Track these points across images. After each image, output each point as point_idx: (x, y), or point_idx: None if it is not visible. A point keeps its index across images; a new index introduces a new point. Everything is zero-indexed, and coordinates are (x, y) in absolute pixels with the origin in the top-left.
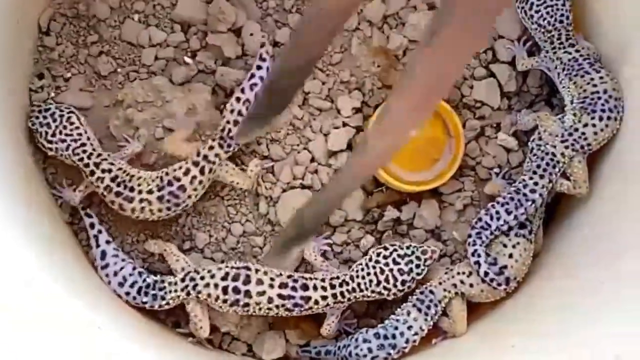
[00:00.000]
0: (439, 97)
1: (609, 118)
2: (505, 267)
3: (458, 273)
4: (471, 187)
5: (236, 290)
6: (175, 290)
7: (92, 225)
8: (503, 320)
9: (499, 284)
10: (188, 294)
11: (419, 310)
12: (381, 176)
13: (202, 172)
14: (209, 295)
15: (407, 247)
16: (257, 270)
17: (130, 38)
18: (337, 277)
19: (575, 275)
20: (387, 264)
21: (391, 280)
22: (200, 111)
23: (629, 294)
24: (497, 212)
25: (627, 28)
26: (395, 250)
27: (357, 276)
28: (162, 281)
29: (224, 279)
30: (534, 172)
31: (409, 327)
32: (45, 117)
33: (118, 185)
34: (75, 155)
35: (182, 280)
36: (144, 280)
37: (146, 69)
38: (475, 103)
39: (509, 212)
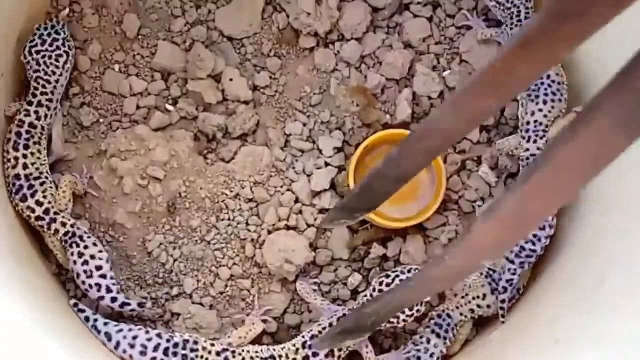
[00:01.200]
0: (521, 236)
1: (552, 101)
2: (511, 280)
3: (474, 298)
4: (455, 221)
5: None
6: (207, 359)
7: (87, 319)
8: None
9: (512, 297)
10: None
11: (438, 335)
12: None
13: None
14: None
15: (409, 271)
16: (279, 357)
17: (111, 88)
18: (344, 315)
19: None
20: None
21: (400, 315)
22: (182, 157)
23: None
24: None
25: None
26: (397, 276)
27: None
28: (196, 342)
29: None
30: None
31: (431, 355)
32: (49, 35)
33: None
34: (34, 82)
35: (218, 354)
36: (168, 340)
37: (128, 118)
38: None
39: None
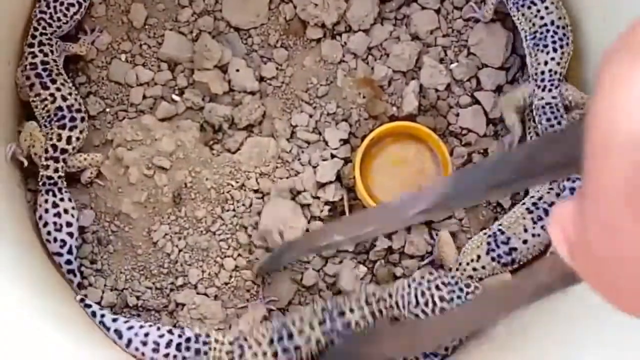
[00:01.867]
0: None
1: (561, 47)
2: (515, 249)
3: (468, 263)
4: (460, 214)
5: (285, 350)
6: (220, 350)
7: (93, 314)
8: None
9: (505, 264)
10: (232, 358)
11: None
12: (371, 206)
13: None
14: None
15: (452, 277)
16: (293, 322)
17: (117, 78)
18: (374, 294)
19: None
20: (429, 288)
21: (430, 305)
22: (188, 148)
23: None
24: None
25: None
26: (439, 277)
27: (397, 294)
28: (208, 336)
29: (270, 343)
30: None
31: None
32: None
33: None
34: (35, 22)
35: (231, 343)
36: (180, 336)
37: (134, 108)
38: (461, 131)
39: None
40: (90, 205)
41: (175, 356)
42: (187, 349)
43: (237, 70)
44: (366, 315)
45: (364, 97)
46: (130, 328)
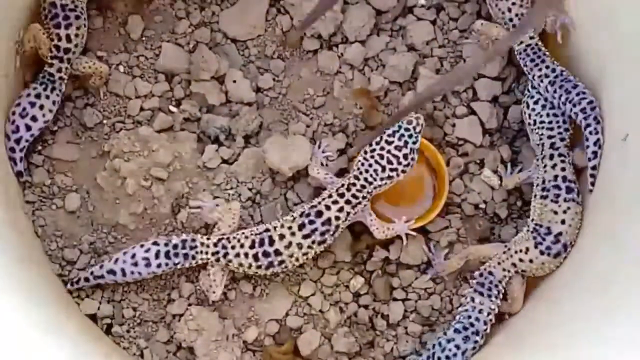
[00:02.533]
0: None
1: None
2: (560, 234)
3: (516, 252)
4: (457, 224)
5: (266, 254)
6: (206, 253)
7: (87, 280)
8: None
9: (558, 253)
10: (218, 260)
11: (482, 294)
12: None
13: None
14: (240, 264)
15: (391, 128)
16: (274, 228)
17: (117, 90)
18: (342, 185)
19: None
20: (382, 148)
21: (393, 160)
22: (185, 159)
23: None
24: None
25: (601, 66)
26: (381, 136)
27: (361, 172)
28: (194, 240)
29: (252, 247)
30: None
31: (480, 311)
32: None
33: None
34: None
35: (215, 244)
36: (167, 244)
37: (132, 120)
38: (458, 141)
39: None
40: (86, 216)
41: (167, 264)
42: (176, 255)
43: (234, 82)
44: (344, 210)
45: (360, 107)
46: (116, 261)
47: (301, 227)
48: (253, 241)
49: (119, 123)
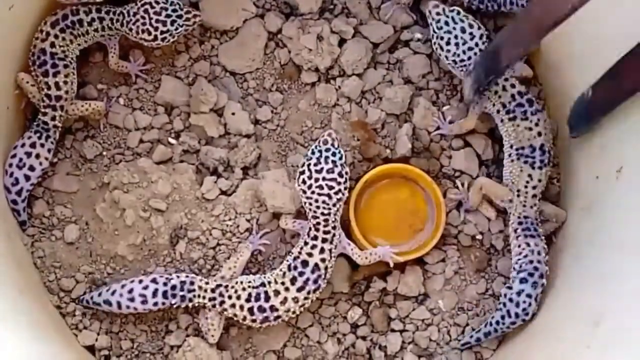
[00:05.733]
0: None
1: None
2: (543, 145)
3: (525, 186)
4: (454, 255)
5: (261, 309)
6: (204, 297)
7: (87, 302)
8: None
9: (548, 162)
10: (214, 305)
11: (532, 236)
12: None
13: None
14: (235, 315)
15: (310, 155)
16: (269, 283)
17: (116, 122)
18: (310, 229)
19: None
20: (316, 180)
21: (333, 185)
22: (184, 190)
23: None
24: None
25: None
26: (308, 169)
27: (314, 211)
28: (192, 283)
29: (247, 300)
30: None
31: (539, 252)
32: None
33: None
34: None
35: (213, 290)
36: (165, 284)
37: (131, 151)
38: (454, 172)
39: None
40: (85, 247)
41: (163, 303)
42: (173, 295)
43: (233, 114)
44: (325, 251)
45: (358, 139)
46: (113, 292)
47: (293, 281)
48: (249, 295)
49: (118, 155)
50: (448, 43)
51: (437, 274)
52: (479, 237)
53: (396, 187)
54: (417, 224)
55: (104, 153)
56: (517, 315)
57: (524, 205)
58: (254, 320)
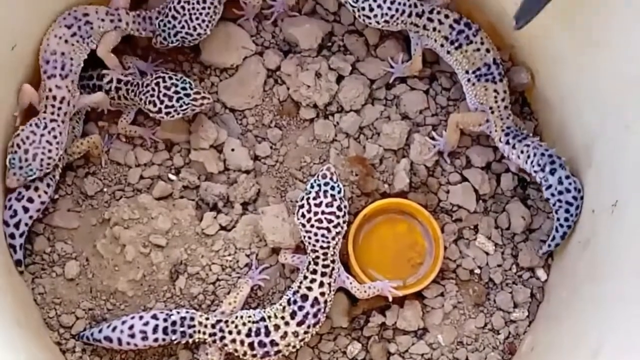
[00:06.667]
0: None
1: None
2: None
3: (496, 102)
4: (453, 289)
5: (262, 344)
6: (204, 333)
7: (87, 338)
8: None
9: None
10: (214, 341)
11: (525, 137)
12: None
13: None
14: (235, 350)
15: (309, 189)
16: (269, 317)
17: (117, 158)
18: (309, 262)
19: None
20: (315, 213)
21: (332, 218)
22: (184, 225)
23: None
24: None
25: (590, 133)
26: (307, 203)
27: (314, 245)
28: (192, 319)
29: (248, 335)
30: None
31: (540, 145)
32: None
33: None
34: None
35: (213, 326)
36: (165, 320)
37: (132, 188)
38: (452, 207)
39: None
40: (85, 283)
41: (164, 339)
42: (174, 332)
43: (233, 150)
44: (324, 284)
45: (356, 175)
46: (114, 329)
47: (293, 315)
48: (249, 329)
49: (119, 191)
50: (372, 9)
51: (436, 308)
52: (477, 271)
53: (394, 221)
54: (416, 258)
55: (105, 189)
56: (574, 198)
57: (502, 119)
58: (254, 355)
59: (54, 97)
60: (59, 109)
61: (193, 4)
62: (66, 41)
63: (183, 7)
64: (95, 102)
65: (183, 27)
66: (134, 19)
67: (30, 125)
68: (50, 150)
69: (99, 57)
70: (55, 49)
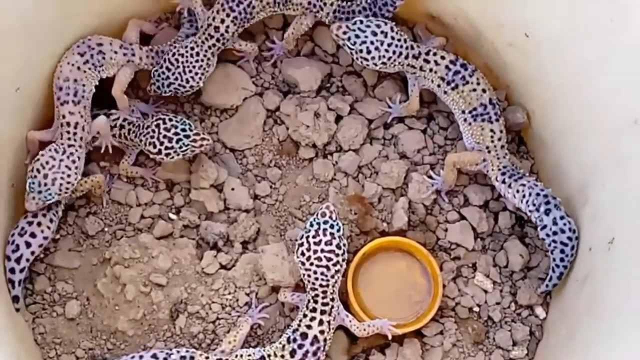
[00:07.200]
0: None
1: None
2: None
3: (492, 142)
4: (452, 327)
5: None
6: None
7: None
8: None
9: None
10: None
11: (521, 177)
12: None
13: None
14: None
15: (308, 228)
16: (269, 356)
17: (118, 198)
18: (309, 300)
19: None
20: (315, 252)
21: (331, 256)
22: (184, 265)
23: None
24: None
25: (586, 170)
26: (307, 241)
27: (313, 283)
28: (192, 358)
29: None
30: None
31: (536, 184)
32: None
33: None
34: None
35: None
36: (166, 359)
37: (132, 227)
38: (450, 245)
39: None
40: (85, 323)
41: None
42: None
43: (233, 189)
44: (324, 322)
45: (355, 213)
46: None
47: (292, 353)
48: None
49: (120, 230)
50: (369, 51)
51: (436, 347)
52: (476, 309)
53: (393, 260)
54: (415, 296)
55: (106, 229)
56: (569, 238)
57: (498, 158)
58: None
59: (68, 124)
60: (75, 134)
61: (187, 57)
62: (78, 68)
63: (177, 60)
64: (98, 127)
65: (177, 78)
66: (147, 54)
67: (50, 150)
68: (69, 175)
69: (104, 97)
70: (67, 75)
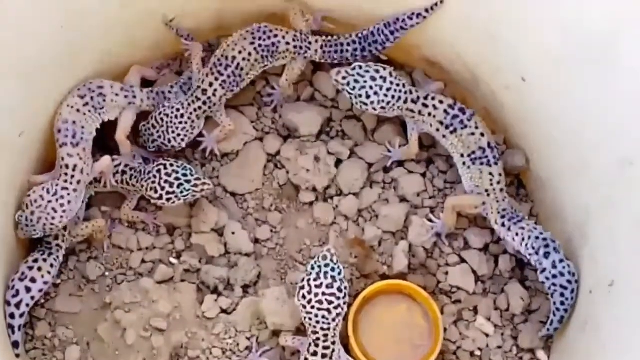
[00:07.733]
0: None
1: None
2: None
3: (491, 184)
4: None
5: None
6: None
7: None
8: None
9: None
10: None
11: (520, 220)
12: None
13: None
14: None
15: (310, 271)
16: None
17: (119, 242)
18: (310, 344)
19: None
20: (316, 295)
21: (332, 300)
22: (185, 309)
23: None
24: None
25: (584, 211)
26: (308, 284)
27: (314, 327)
28: None
29: None
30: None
31: (535, 228)
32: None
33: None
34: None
35: None
36: None
37: (133, 272)
38: (451, 288)
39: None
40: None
41: None
42: None
43: (233, 233)
44: (329, 347)
45: (355, 257)
46: None
47: None
48: None
49: (120, 275)
50: (368, 96)
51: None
52: (477, 352)
53: (394, 303)
54: (416, 339)
55: (107, 274)
56: (569, 282)
57: (498, 201)
58: None
59: (67, 165)
60: (72, 177)
61: (171, 117)
62: (78, 110)
63: (162, 119)
64: (102, 167)
65: (160, 136)
66: (148, 95)
67: (42, 189)
68: (54, 218)
69: (106, 143)
70: (67, 117)
